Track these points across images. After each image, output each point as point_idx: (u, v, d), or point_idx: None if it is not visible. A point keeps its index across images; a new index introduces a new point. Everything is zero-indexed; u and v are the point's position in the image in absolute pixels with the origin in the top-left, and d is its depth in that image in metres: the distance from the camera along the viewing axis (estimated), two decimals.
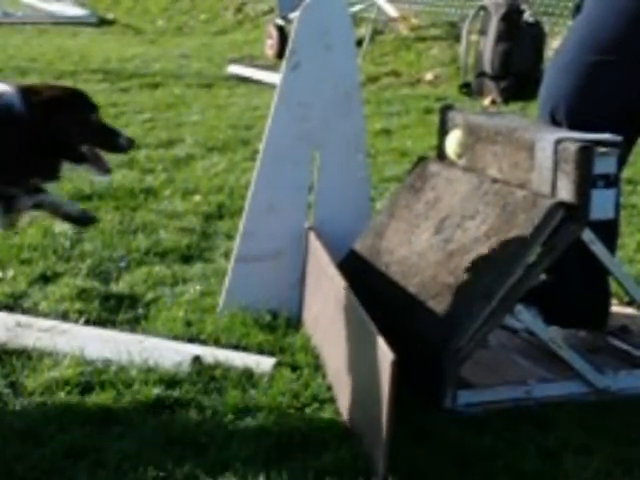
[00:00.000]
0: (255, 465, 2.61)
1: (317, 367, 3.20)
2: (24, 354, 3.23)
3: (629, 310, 3.60)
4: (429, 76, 9.14)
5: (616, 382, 3.14)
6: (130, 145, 2.88)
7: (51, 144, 2.74)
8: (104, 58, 10.48)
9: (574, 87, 3.24)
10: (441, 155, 3.55)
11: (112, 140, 2.86)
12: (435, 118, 3.87)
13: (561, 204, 2.98)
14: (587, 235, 3.03)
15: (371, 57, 9.95)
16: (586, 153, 2.95)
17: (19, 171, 2.72)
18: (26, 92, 2.73)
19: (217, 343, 3.39)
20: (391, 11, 10.29)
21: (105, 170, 2.89)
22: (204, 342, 3.39)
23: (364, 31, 10.05)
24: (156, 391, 2.98)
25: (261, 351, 3.32)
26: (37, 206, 2.88)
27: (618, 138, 3.06)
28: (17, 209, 2.84)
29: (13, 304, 3.71)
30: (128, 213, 4.81)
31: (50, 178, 2.82)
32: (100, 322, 3.56)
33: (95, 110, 2.86)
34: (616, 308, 3.62)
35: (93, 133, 2.83)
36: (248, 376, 3.11)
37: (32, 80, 7.93)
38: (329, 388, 3.06)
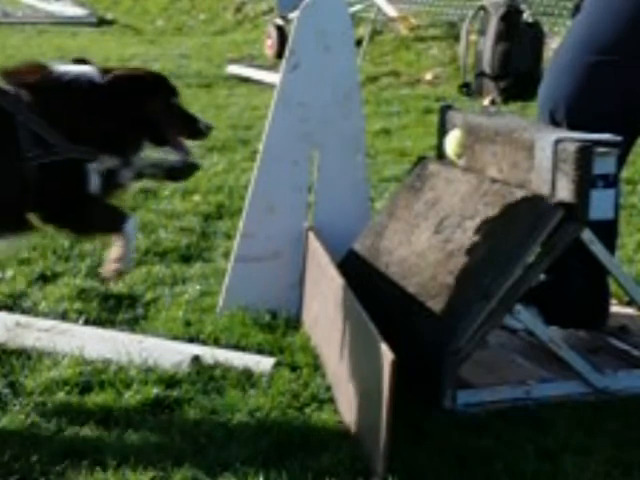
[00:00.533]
0: (254, 465, 2.61)
1: (316, 367, 3.20)
2: (24, 354, 3.23)
3: (629, 310, 3.60)
4: (428, 76, 9.14)
5: (615, 382, 3.14)
6: (208, 131, 2.88)
7: (133, 121, 2.74)
8: (104, 58, 10.45)
9: (573, 87, 3.24)
10: (441, 155, 3.55)
11: (192, 125, 2.85)
12: (435, 118, 3.87)
13: (561, 204, 2.98)
14: (587, 235, 3.03)
15: (370, 57, 9.95)
16: (585, 153, 2.95)
17: (106, 140, 2.72)
18: (109, 72, 2.75)
19: (216, 343, 3.39)
20: (390, 11, 10.28)
21: (186, 153, 2.88)
22: (203, 342, 3.39)
23: (363, 31, 10.05)
24: (155, 391, 2.98)
25: (260, 351, 3.32)
26: (139, 175, 2.88)
27: (618, 138, 3.06)
28: (120, 183, 2.83)
29: (13, 304, 3.71)
30: None
31: (131, 154, 2.81)
32: (99, 322, 3.56)
33: (176, 94, 2.86)
34: (616, 308, 3.62)
35: (174, 117, 2.83)
36: (247, 376, 3.11)
37: None
38: (328, 388, 3.06)
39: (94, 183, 2.72)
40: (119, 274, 2.83)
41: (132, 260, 2.89)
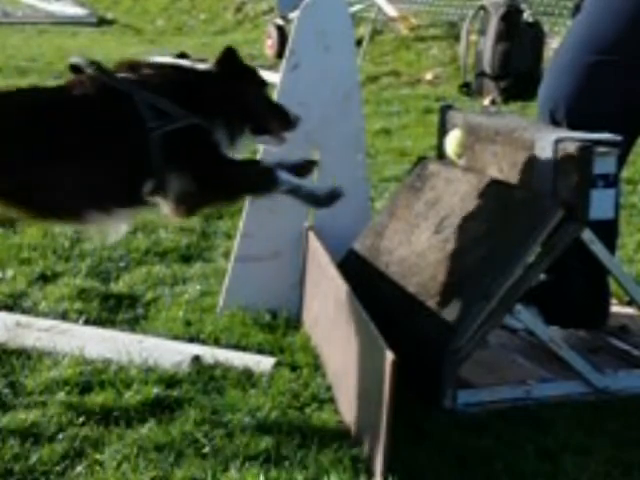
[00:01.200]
0: (254, 465, 2.61)
1: (317, 367, 3.20)
2: (24, 354, 3.23)
3: (629, 310, 3.60)
4: (429, 76, 9.14)
5: (616, 382, 3.14)
6: (297, 122, 2.91)
7: (235, 103, 2.79)
8: (104, 58, 10.38)
9: (574, 87, 3.24)
10: (441, 155, 3.55)
11: (284, 116, 2.88)
12: (435, 118, 3.87)
13: (561, 204, 2.98)
14: (587, 235, 3.03)
15: (371, 57, 9.95)
16: (586, 153, 2.95)
17: (214, 116, 2.75)
18: (209, 62, 2.84)
19: (217, 343, 3.39)
20: (391, 11, 10.28)
21: (282, 140, 2.91)
22: (204, 342, 3.39)
23: (363, 31, 10.05)
24: (156, 391, 2.98)
25: (261, 351, 3.32)
26: None
27: (618, 138, 3.05)
28: None
29: (13, 304, 3.71)
30: None
31: (236, 135, 2.83)
32: (100, 322, 3.56)
33: (266, 86, 2.90)
34: (616, 308, 3.62)
35: (267, 107, 2.88)
36: (248, 376, 3.11)
37: (31, 80, 7.94)
38: (329, 388, 3.06)
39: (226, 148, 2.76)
40: (332, 198, 2.84)
41: (315, 188, 2.90)
